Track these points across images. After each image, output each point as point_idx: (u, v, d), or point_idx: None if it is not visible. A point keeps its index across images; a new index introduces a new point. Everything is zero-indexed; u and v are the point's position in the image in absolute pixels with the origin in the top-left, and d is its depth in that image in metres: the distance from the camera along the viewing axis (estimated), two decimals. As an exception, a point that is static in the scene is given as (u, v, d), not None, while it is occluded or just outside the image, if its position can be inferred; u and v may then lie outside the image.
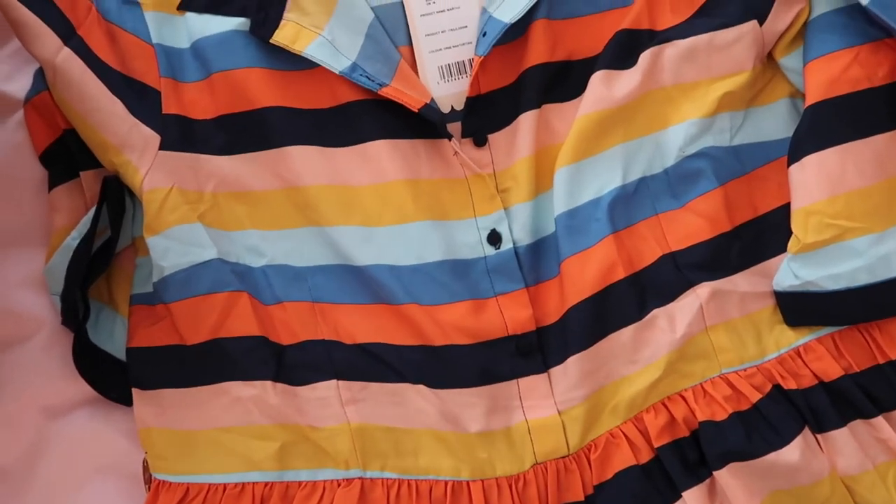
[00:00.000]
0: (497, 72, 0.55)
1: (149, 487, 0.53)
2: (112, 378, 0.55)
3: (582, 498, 0.51)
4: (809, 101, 0.53)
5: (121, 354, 0.56)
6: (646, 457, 0.51)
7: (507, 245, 0.54)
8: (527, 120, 0.55)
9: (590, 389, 0.52)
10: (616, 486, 0.50)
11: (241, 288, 0.54)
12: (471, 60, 0.56)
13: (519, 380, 0.53)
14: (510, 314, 0.53)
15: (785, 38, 0.54)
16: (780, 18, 0.54)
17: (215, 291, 0.54)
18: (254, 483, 0.52)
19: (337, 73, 0.53)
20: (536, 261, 0.54)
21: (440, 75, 0.56)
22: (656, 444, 0.51)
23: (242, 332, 0.53)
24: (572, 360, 0.52)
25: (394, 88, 0.53)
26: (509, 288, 0.53)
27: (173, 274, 0.53)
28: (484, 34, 0.54)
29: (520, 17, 0.53)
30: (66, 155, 0.58)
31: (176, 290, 0.53)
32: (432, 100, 0.54)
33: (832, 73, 0.52)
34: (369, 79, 0.53)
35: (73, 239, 0.55)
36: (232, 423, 0.52)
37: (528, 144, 0.54)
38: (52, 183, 0.58)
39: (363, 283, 0.54)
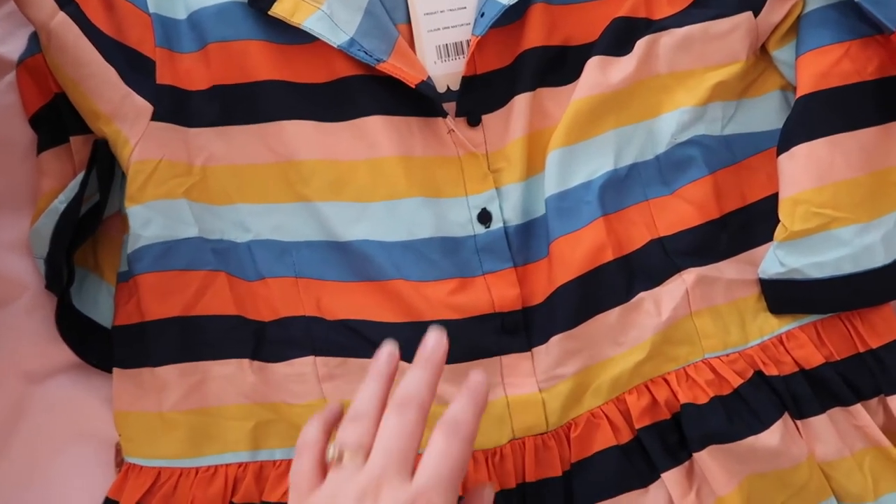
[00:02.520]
0: (493, 53, 0.55)
1: (119, 471, 0.52)
2: (94, 344, 0.55)
3: (559, 474, 0.51)
4: (800, 92, 0.53)
5: (104, 321, 0.55)
6: (626, 437, 0.51)
7: (497, 224, 0.54)
8: (521, 102, 0.55)
9: (573, 369, 0.52)
10: (595, 465, 0.51)
11: (220, 267, 0.53)
12: (468, 41, 0.56)
13: (502, 357, 0.53)
14: (498, 292, 0.53)
15: (778, 31, 0.55)
16: (774, 11, 0.54)
17: (193, 269, 0.53)
18: (227, 465, 0.51)
19: (335, 46, 0.53)
20: (526, 241, 0.55)
21: (437, 55, 0.56)
22: (637, 426, 0.51)
23: (218, 311, 0.53)
24: (555, 340, 0.52)
25: (391, 64, 0.53)
26: (498, 267, 0.54)
27: (150, 245, 0.53)
28: (482, 15, 0.54)
29: (518, -1, 0.54)
30: (57, 119, 0.57)
31: (151, 262, 0.52)
32: (429, 78, 0.54)
33: (823, 66, 0.53)
34: (367, 54, 0.53)
35: (60, 202, 0.54)
36: (205, 405, 0.52)
37: (522, 126, 0.55)
38: (41, 147, 0.58)
39: (349, 260, 0.54)
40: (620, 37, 0.55)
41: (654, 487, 0.51)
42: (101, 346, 0.54)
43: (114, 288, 0.55)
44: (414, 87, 0.52)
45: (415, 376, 0.39)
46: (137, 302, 0.53)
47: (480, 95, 0.55)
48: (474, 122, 0.55)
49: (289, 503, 0.39)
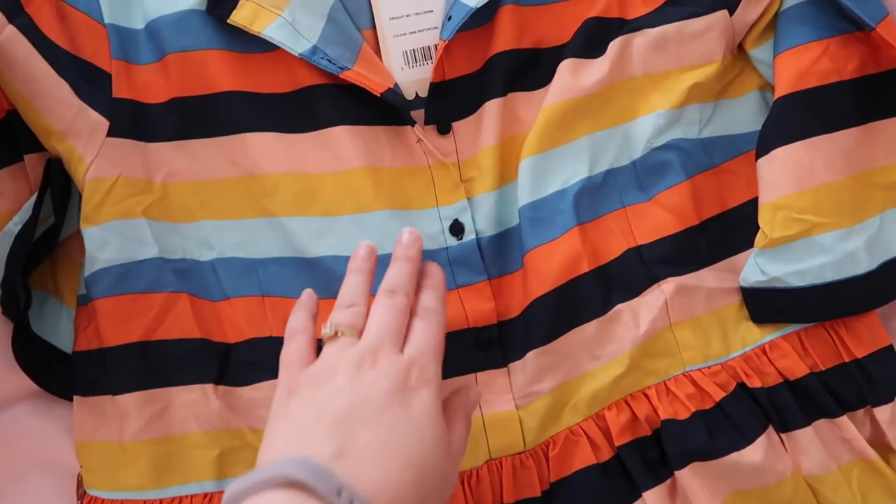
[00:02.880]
0: (462, 58, 0.53)
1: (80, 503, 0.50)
2: (54, 371, 0.53)
3: (538, 494, 0.49)
4: (778, 93, 0.52)
5: (65, 347, 0.53)
6: (606, 455, 0.50)
7: (469, 236, 0.52)
8: (492, 108, 0.53)
9: (550, 385, 0.51)
10: (575, 484, 0.49)
11: (182, 288, 0.52)
12: (436, 46, 0.54)
13: (477, 374, 0.51)
14: (472, 306, 0.51)
15: (756, 29, 0.53)
16: (750, 8, 0.53)
17: (153, 291, 0.51)
18: (191, 496, 0.50)
19: (296, 55, 0.51)
20: (500, 253, 0.53)
21: (404, 60, 0.55)
22: (617, 443, 0.50)
23: (181, 335, 0.51)
24: (531, 355, 0.51)
25: (356, 72, 0.51)
26: (471, 280, 0.52)
27: (108, 268, 0.51)
28: (449, 18, 0.52)
29: (486, 1, 0.52)
30: (11, 136, 0.55)
31: (108, 286, 0.51)
32: (396, 85, 0.52)
33: (802, 65, 0.51)
34: (331, 62, 0.51)
35: (14, 224, 0.52)
36: (168, 433, 0.50)
37: (493, 133, 0.53)
38: (-4, 166, 0.56)
39: (317, 277, 0.52)
40: (593, 38, 0.54)
41: (635, 506, 0.49)
42: (61, 374, 0.53)
43: (74, 312, 0.54)
44: (379, 95, 0.51)
45: (397, 269, 0.44)
46: (96, 327, 0.51)
47: (450, 102, 0.53)
48: (444, 129, 0.54)
49: (278, 385, 0.40)
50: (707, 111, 0.54)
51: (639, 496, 0.49)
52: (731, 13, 0.53)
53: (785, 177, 0.51)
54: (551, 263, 0.51)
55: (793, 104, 0.51)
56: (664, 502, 0.49)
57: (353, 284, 0.43)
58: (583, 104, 0.53)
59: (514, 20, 0.53)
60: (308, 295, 0.45)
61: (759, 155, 0.53)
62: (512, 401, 0.51)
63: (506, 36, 0.53)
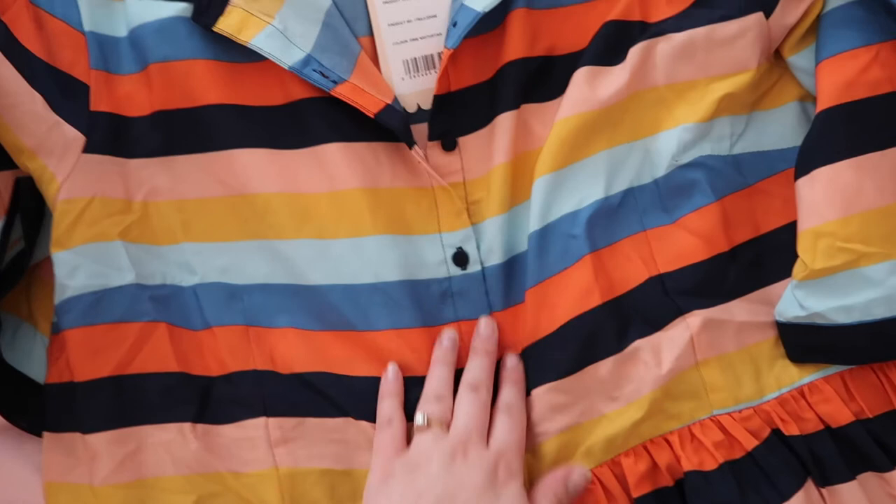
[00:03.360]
0: (469, 67, 0.49)
1: None
2: (25, 404, 0.50)
3: None
4: (821, 105, 0.47)
5: (39, 377, 0.50)
6: (622, 507, 0.46)
7: (474, 267, 0.49)
8: (503, 122, 0.49)
9: (560, 425, 0.47)
10: (587, 539, 0.45)
11: (160, 317, 0.49)
12: (440, 54, 0.50)
13: None
14: (474, 342, 0.48)
15: (795, 34, 0.49)
16: (789, 11, 0.48)
17: (128, 321, 0.48)
18: None
19: (287, 67, 0.47)
20: (508, 282, 0.49)
21: (405, 70, 0.50)
22: (634, 494, 0.46)
23: (157, 369, 0.48)
24: (539, 393, 0.47)
25: (350, 86, 0.47)
26: (473, 315, 0.48)
27: (80, 296, 0.48)
28: (454, 24, 0.48)
29: (494, 5, 0.48)
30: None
31: (79, 315, 0.48)
32: (395, 99, 0.48)
33: (848, 74, 0.46)
34: (323, 75, 0.47)
35: (-17, 248, 0.49)
36: (141, 476, 0.47)
37: (504, 150, 0.49)
38: (-34, 184, 0.53)
39: (308, 305, 0.48)
40: (612, 43, 0.49)
41: (653, 567, 0.45)
42: (32, 407, 0.50)
43: (49, 340, 0.50)
44: (373, 116, 0.47)
45: (478, 363, 0.47)
46: (67, 360, 0.48)
47: (456, 116, 0.49)
48: (449, 146, 0.50)
49: (373, 468, 0.45)
50: (739, 125, 0.49)
51: (658, 555, 0.45)
52: (768, 15, 0.48)
53: (828, 200, 0.46)
54: (562, 294, 0.47)
55: (837, 118, 0.46)
56: (686, 564, 0.45)
57: (439, 377, 0.47)
58: (599, 117, 0.49)
59: (526, 25, 0.49)
60: (395, 376, 0.47)
61: (798, 174, 0.48)
62: (519, 444, 0.47)
63: (517, 43, 0.49)
